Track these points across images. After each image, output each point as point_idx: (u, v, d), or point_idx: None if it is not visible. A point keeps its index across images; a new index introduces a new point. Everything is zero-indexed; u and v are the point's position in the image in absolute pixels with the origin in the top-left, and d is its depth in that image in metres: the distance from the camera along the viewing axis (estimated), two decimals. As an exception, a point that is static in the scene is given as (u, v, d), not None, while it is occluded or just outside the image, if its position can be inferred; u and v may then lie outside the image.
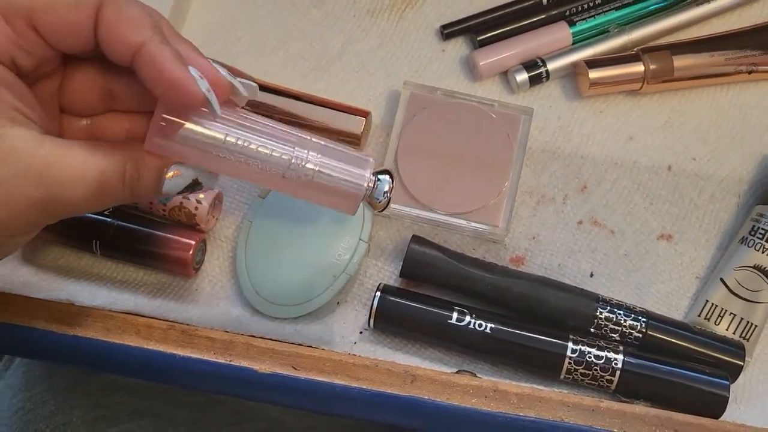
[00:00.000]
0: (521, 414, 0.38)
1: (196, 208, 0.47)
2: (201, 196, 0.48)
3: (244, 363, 0.38)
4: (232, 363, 0.38)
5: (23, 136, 0.31)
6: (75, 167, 0.32)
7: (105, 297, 0.46)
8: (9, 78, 0.32)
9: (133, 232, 0.47)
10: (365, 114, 0.49)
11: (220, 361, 0.38)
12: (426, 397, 0.38)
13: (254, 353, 0.39)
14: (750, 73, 0.51)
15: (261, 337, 0.41)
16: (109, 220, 0.47)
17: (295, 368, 0.39)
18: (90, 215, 0.47)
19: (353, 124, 0.49)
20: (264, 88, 0.50)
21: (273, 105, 0.49)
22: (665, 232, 0.50)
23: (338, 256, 0.47)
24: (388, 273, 0.49)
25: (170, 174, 0.35)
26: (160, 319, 0.41)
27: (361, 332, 0.47)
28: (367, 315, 0.46)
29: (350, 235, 0.48)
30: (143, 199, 0.42)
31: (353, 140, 0.49)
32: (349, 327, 0.47)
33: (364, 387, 0.38)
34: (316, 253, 0.47)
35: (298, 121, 0.49)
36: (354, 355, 0.40)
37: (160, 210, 0.48)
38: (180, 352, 0.38)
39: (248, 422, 0.52)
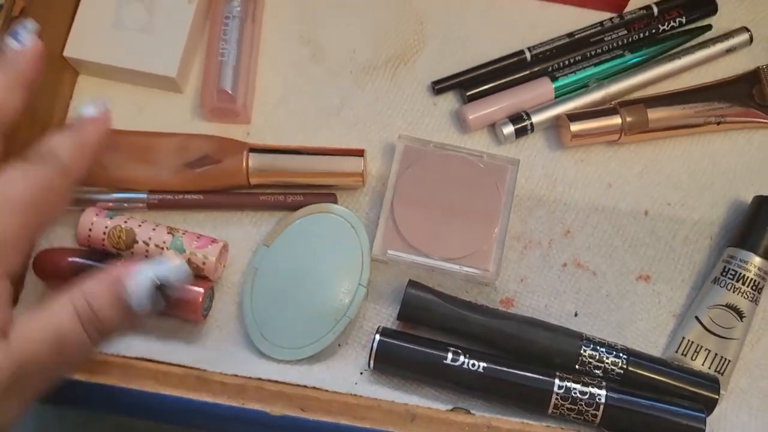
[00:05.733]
0: (513, 449, 0.41)
1: (204, 263, 0.50)
2: (208, 248, 0.50)
3: (256, 406, 0.41)
4: (245, 406, 0.41)
5: None
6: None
7: (118, 343, 0.48)
8: None
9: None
10: (361, 153, 0.52)
11: (233, 404, 0.41)
12: (426, 435, 0.41)
13: (265, 396, 0.42)
14: (719, 124, 0.55)
15: (269, 380, 0.44)
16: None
17: (302, 410, 0.41)
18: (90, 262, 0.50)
19: (353, 165, 0.52)
20: (265, 149, 0.52)
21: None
22: (643, 273, 0.53)
23: (339, 300, 0.50)
24: (386, 316, 0.52)
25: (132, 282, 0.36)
26: (175, 365, 0.43)
27: (361, 373, 0.50)
28: (367, 356, 0.48)
29: (350, 280, 0.51)
30: (123, 330, 0.39)
31: (356, 178, 0.52)
32: (350, 368, 0.50)
33: (369, 426, 0.41)
34: (318, 298, 0.50)
35: (299, 176, 0.52)
36: (357, 395, 0.43)
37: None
38: (196, 396, 0.41)
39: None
